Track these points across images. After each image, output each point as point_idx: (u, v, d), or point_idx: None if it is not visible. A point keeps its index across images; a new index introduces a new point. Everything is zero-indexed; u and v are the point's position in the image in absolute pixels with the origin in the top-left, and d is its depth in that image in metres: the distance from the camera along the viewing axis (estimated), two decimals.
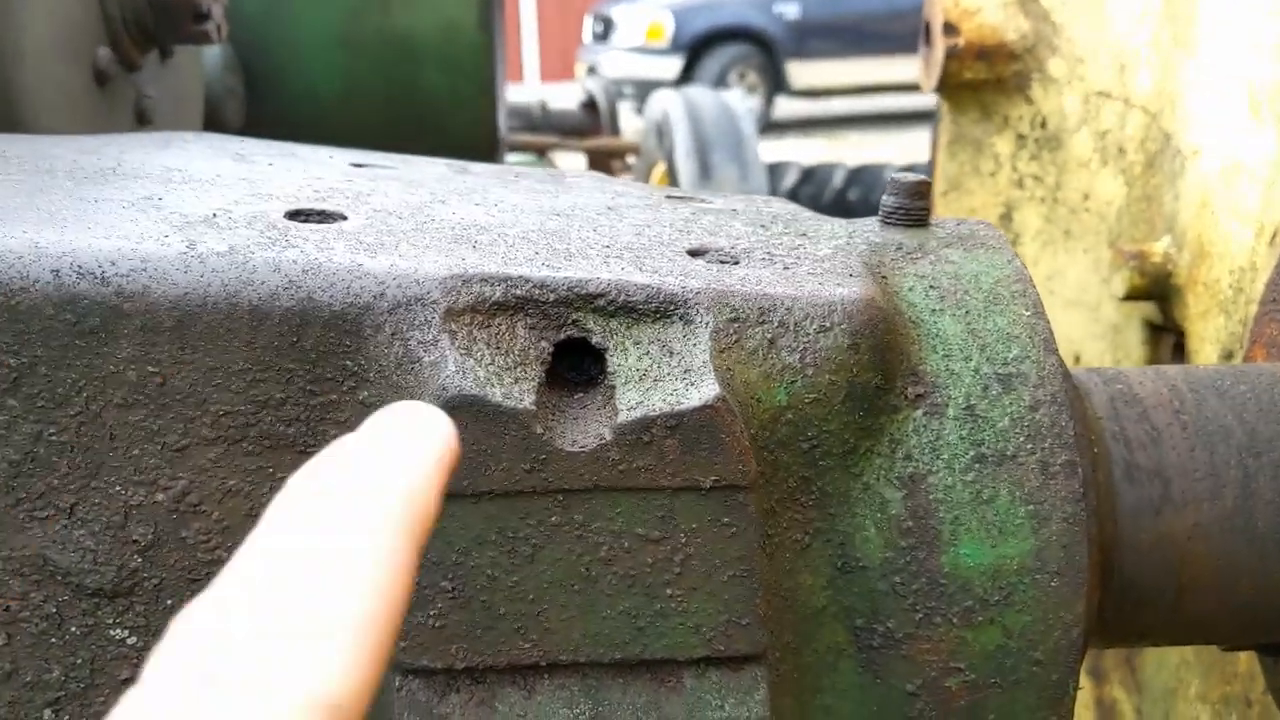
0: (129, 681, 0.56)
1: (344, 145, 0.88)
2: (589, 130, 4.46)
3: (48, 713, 0.55)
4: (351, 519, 0.30)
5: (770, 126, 10.10)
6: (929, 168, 1.48)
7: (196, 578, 0.55)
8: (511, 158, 3.94)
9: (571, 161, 4.52)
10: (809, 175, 4.51)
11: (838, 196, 5.05)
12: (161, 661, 0.27)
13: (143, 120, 1.11)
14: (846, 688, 0.59)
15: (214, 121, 1.42)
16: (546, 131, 4.38)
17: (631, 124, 5.90)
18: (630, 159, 4.58)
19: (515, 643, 0.53)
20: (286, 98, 1.59)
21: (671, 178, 3.98)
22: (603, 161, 4.37)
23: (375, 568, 0.29)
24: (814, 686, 0.58)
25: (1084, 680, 1.18)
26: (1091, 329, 1.27)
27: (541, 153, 4.35)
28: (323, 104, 1.60)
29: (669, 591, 0.53)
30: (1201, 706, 1.04)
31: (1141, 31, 1.14)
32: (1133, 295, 1.09)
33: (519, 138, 4.15)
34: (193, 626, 0.28)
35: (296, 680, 0.27)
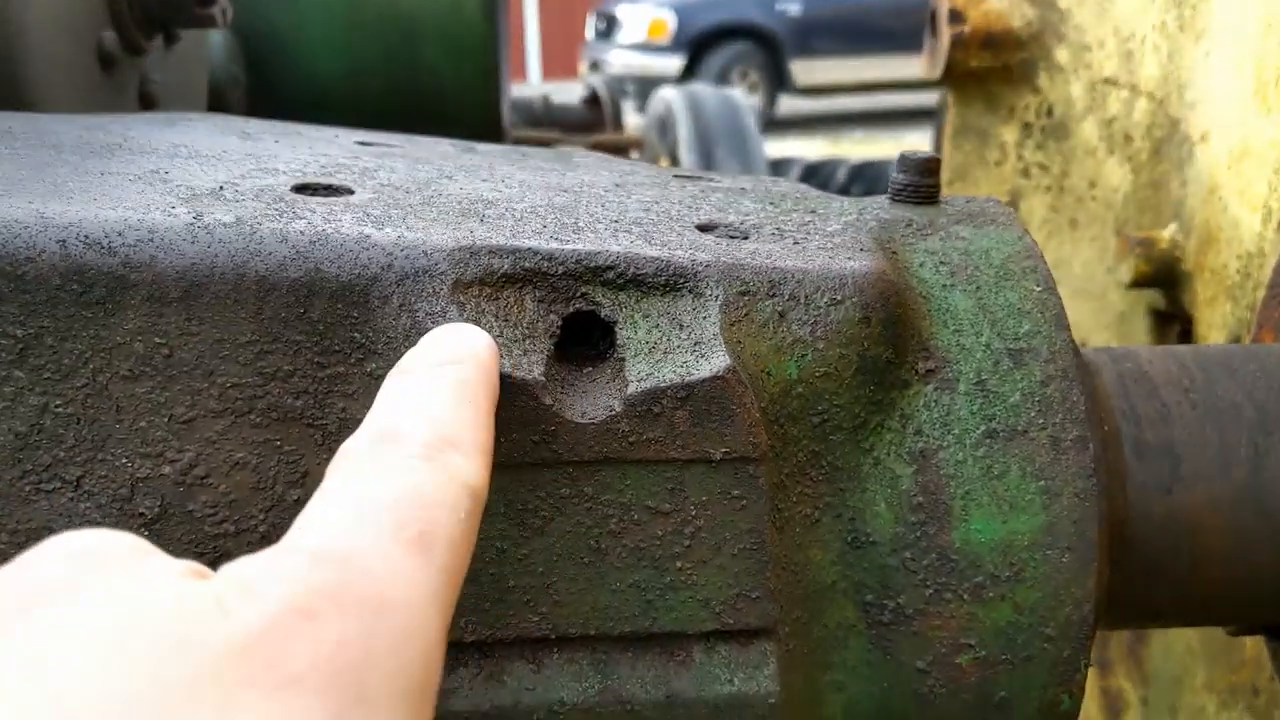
0: None
1: (343, 118, 0.87)
2: (592, 125, 4.46)
3: None
4: (447, 379, 0.46)
5: (773, 124, 10.09)
6: None
7: (203, 551, 0.55)
8: None
9: None
10: (812, 172, 4.51)
11: (840, 193, 4.98)
12: (349, 452, 0.42)
13: (147, 104, 1.11)
14: (856, 664, 0.58)
15: (217, 107, 1.42)
16: (549, 126, 4.38)
17: (634, 122, 5.90)
18: (633, 154, 4.57)
19: (524, 616, 0.53)
20: (289, 83, 1.59)
21: None
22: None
23: (480, 413, 0.45)
24: (824, 663, 0.58)
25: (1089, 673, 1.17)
26: (1098, 317, 1.27)
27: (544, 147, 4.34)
28: (326, 89, 1.60)
29: (678, 564, 0.53)
30: (1208, 695, 1.03)
31: (1148, 17, 1.14)
32: (1139, 282, 1.09)
33: (522, 132, 4.14)
34: (359, 445, 0.42)
35: (455, 469, 0.41)
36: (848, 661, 0.58)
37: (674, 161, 3.98)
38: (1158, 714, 1.13)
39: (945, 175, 1.47)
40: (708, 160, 3.78)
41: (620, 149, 4.49)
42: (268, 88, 1.58)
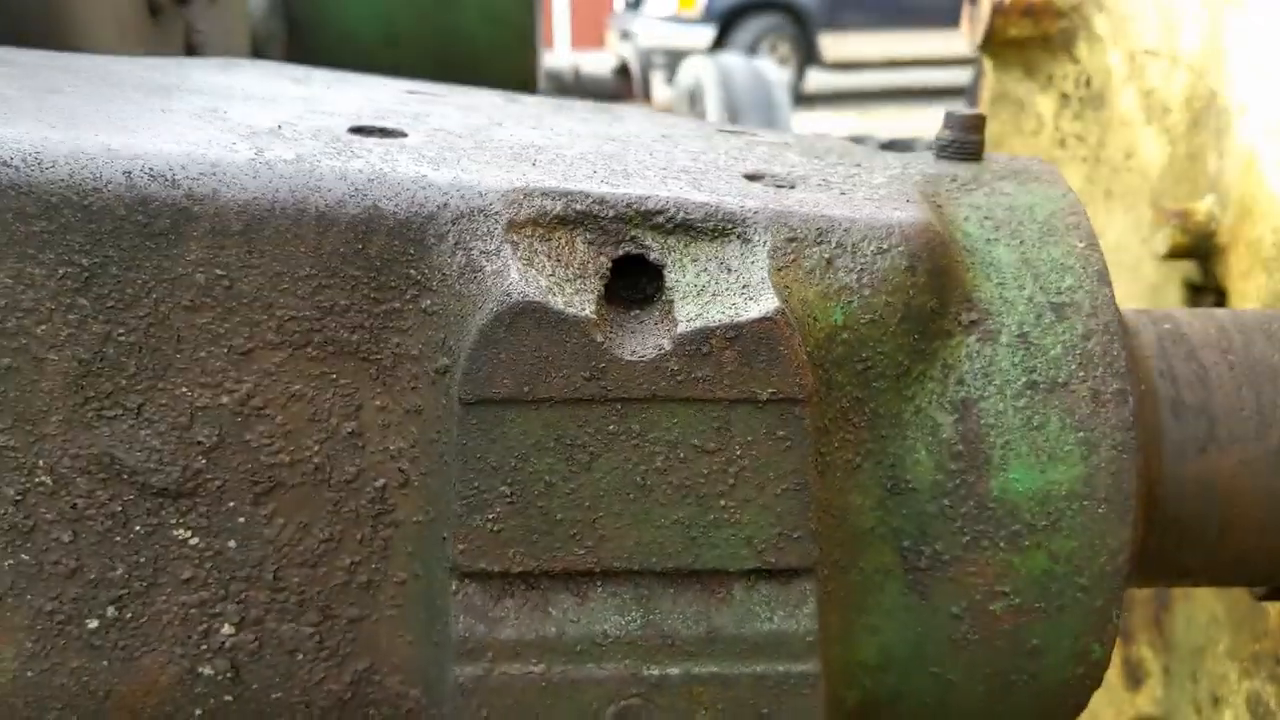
0: (191, 582, 0.57)
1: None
2: (622, 96, 4.45)
3: (110, 609, 0.57)
4: None
5: (802, 99, 10.04)
6: None
7: (259, 480, 0.56)
8: None
9: None
10: None
11: None
12: None
13: (192, 54, 1.12)
14: (892, 608, 0.59)
15: None
16: (579, 96, 4.38)
17: (663, 94, 5.88)
18: None
19: (570, 549, 0.54)
20: (327, 43, 1.60)
21: None
22: None
23: None
24: (860, 605, 0.59)
25: None
26: (1131, 289, 1.27)
27: None
28: (363, 50, 1.61)
29: (722, 502, 0.54)
30: (1230, 663, 1.04)
31: None
32: (1174, 254, 1.09)
33: None
34: None
35: None
36: (883, 605, 0.59)
37: None
38: (1179, 682, 1.13)
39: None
40: None
41: None
42: (305, 46, 1.59)
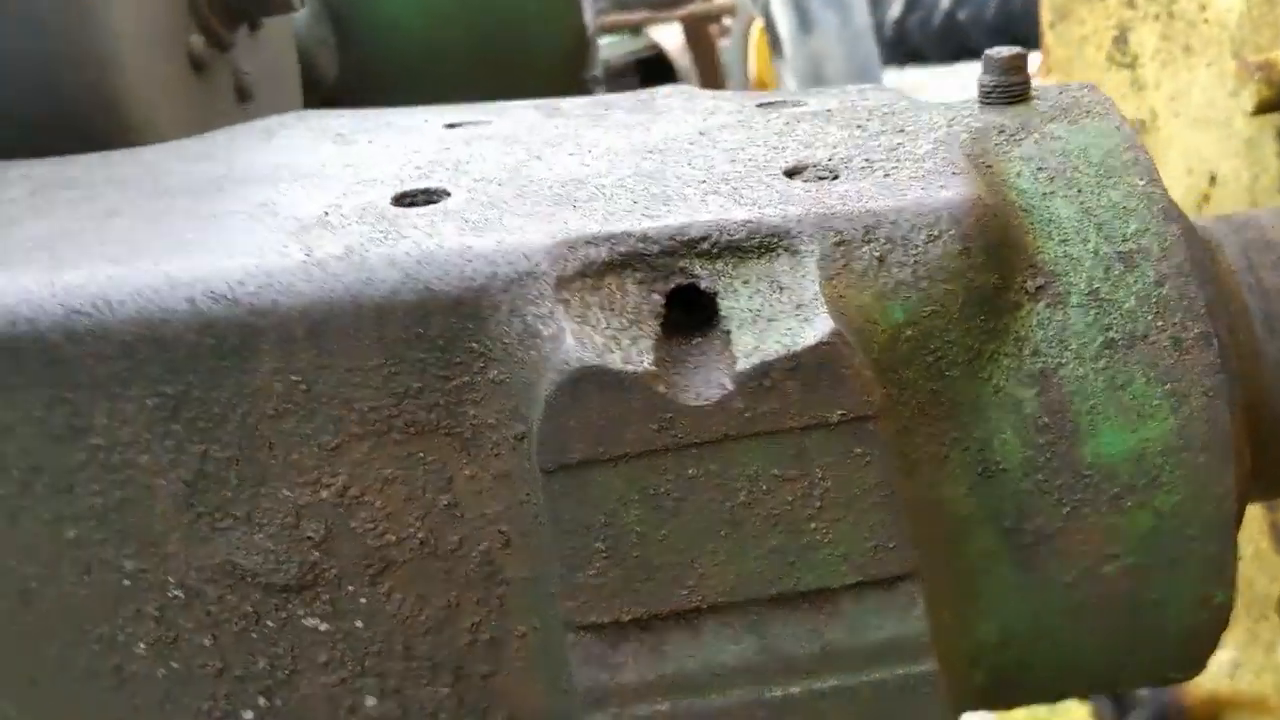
0: (329, 664, 0.60)
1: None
2: None
3: (261, 700, 0.60)
4: None
5: None
6: None
7: (371, 562, 0.59)
8: (605, 40, 3.89)
9: (667, 33, 4.42)
10: (914, 2, 4.34)
11: (946, 19, 4.85)
12: None
13: (243, 97, 1.14)
14: (1004, 589, 0.59)
15: (310, 74, 1.44)
16: (638, 6, 4.30)
17: None
18: (725, 20, 4.47)
19: (674, 590, 0.55)
20: (374, 36, 1.60)
21: (770, 33, 3.87)
22: (699, 28, 4.27)
23: None
24: (971, 592, 0.59)
25: (1255, 508, 1.16)
26: (1224, 146, 1.22)
27: (636, 30, 4.27)
28: (410, 38, 1.61)
29: (813, 525, 0.55)
30: None
31: None
32: (1263, 108, 1.04)
33: (611, 18, 4.08)
34: None
35: None
36: (994, 588, 0.59)
37: (769, 20, 3.87)
38: None
39: (1047, 16, 1.41)
40: (803, 15, 3.67)
41: (713, 17, 4.40)
42: (353, 43, 1.60)
